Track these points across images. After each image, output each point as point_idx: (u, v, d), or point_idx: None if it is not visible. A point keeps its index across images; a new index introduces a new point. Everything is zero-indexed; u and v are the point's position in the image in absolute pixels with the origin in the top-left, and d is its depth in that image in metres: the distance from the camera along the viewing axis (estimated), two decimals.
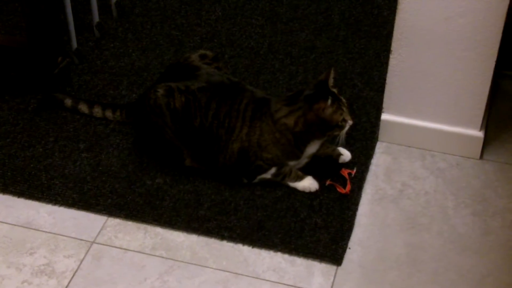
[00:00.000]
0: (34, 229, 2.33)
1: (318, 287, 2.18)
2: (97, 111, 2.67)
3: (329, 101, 2.29)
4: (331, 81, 2.36)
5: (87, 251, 2.27)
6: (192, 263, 2.24)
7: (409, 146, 2.64)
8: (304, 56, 3.00)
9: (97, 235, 2.31)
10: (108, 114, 2.67)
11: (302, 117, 2.33)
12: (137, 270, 2.22)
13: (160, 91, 2.41)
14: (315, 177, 2.44)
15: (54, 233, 2.32)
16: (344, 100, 2.36)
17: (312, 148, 2.41)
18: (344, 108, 2.34)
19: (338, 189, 2.42)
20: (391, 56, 2.48)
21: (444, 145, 2.61)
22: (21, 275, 2.20)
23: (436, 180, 2.52)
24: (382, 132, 2.65)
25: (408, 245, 2.30)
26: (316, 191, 2.42)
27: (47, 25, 2.70)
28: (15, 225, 2.34)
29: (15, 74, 2.80)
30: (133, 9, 3.26)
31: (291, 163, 2.41)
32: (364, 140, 2.62)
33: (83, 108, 2.68)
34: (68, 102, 2.70)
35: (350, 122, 2.35)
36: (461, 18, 2.34)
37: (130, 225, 2.35)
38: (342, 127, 2.35)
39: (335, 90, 2.36)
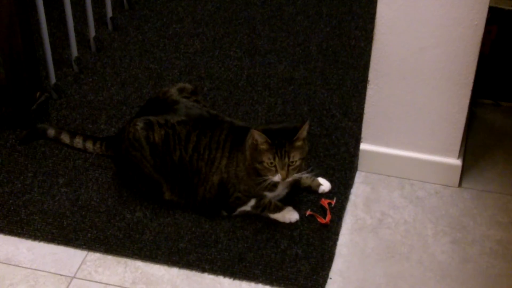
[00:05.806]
0: (13, 265, 2.31)
1: None
2: (78, 141, 2.68)
3: (257, 135, 2.24)
4: (303, 133, 2.27)
5: (67, 286, 2.25)
6: None
7: (388, 175, 2.65)
8: (282, 88, 3.01)
9: (77, 270, 2.30)
10: (88, 145, 2.67)
11: (249, 141, 2.32)
12: None
13: (140, 125, 2.42)
14: (295, 208, 2.45)
15: (34, 269, 2.30)
16: (290, 160, 2.24)
17: None
18: (278, 160, 2.23)
19: (318, 219, 2.43)
20: (368, 86, 2.51)
21: (422, 174, 2.62)
22: None
23: (415, 209, 2.53)
24: (361, 162, 2.67)
25: (388, 274, 2.30)
26: (297, 221, 2.43)
27: (24, 61, 2.70)
28: None
29: None
30: (112, 43, 3.27)
31: (270, 194, 2.41)
32: (343, 170, 2.63)
33: (65, 138, 2.70)
34: (51, 132, 2.72)
35: (279, 176, 2.25)
36: (436, 48, 2.37)
37: (110, 260, 2.33)
38: (268, 170, 2.26)
39: (299, 143, 2.26)
